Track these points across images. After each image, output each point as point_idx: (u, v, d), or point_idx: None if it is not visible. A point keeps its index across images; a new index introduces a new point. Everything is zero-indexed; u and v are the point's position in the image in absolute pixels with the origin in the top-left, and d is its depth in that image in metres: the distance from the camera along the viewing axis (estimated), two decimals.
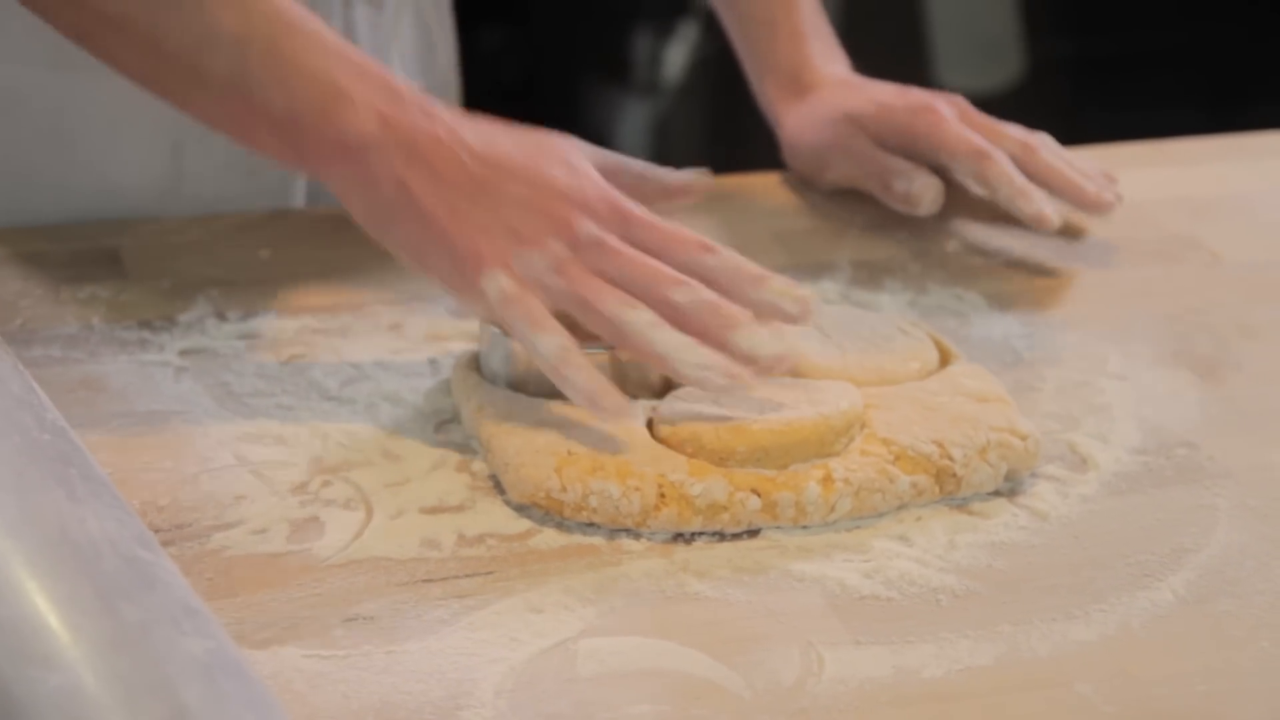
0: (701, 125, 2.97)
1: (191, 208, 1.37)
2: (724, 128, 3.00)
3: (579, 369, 1.04)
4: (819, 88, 1.43)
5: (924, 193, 1.35)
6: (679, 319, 1.05)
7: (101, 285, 1.25)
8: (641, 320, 1.05)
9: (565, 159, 1.09)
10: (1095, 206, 1.35)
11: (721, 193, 1.45)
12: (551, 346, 1.04)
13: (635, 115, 2.84)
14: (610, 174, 1.11)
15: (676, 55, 2.85)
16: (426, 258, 1.08)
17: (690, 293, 1.05)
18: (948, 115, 1.36)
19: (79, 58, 1.15)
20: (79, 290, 1.24)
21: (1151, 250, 1.38)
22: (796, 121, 1.44)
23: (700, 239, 1.08)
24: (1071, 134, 1.56)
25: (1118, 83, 2.87)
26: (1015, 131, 1.37)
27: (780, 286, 1.07)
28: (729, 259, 1.08)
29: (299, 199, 1.43)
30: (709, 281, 1.06)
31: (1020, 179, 1.34)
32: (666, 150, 2.82)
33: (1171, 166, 1.52)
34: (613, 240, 1.06)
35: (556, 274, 1.05)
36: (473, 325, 1.21)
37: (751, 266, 1.08)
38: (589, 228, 1.06)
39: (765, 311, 1.07)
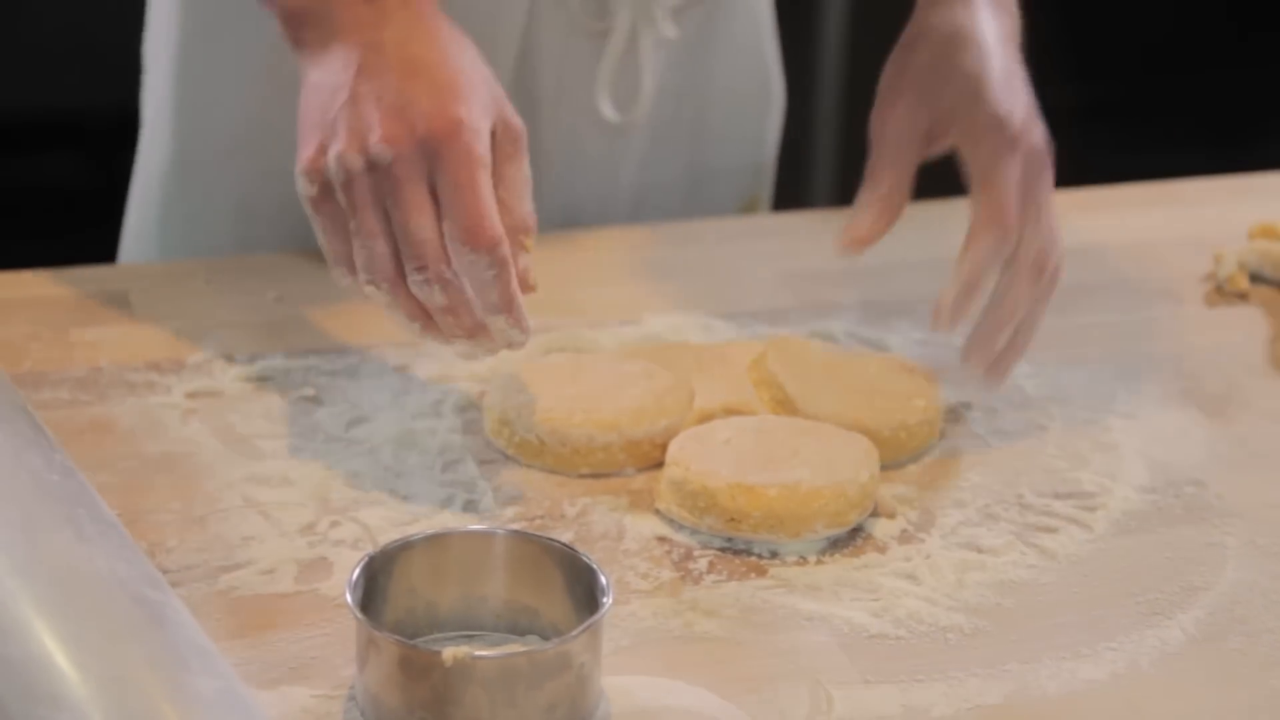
0: None
1: None
2: None
3: (375, 298, 1.07)
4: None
5: (851, 228, 1.19)
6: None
7: (110, 328, 1.25)
8: (378, 298, 1.07)
9: (460, 83, 1.07)
10: (974, 375, 1.17)
11: (729, 234, 1.46)
12: (338, 279, 1.08)
13: None
14: (504, 157, 1.08)
15: None
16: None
17: (426, 291, 1.05)
18: (1010, 172, 1.16)
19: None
20: (87, 333, 1.24)
21: (1159, 289, 1.38)
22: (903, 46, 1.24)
23: (490, 230, 1.04)
24: (1079, 176, 1.56)
25: (1124, 126, 2.88)
26: (1048, 249, 1.16)
27: (511, 324, 1.06)
28: (494, 269, 1.04)
29: None
30: (465, 273, 1.05)
31: (969, 283, 1.15)
32: None
33: (1179, 206, 1.52)
34: (403, 173, 1.04)
35: (343, 190, 1.05)
36: (478, 367, 1.22)
37: (507, 288, 1.05)
38: (380, 149, 1.04)
39: (486, 333, 1.07)
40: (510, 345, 1.08)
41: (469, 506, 1.08)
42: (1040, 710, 0.94)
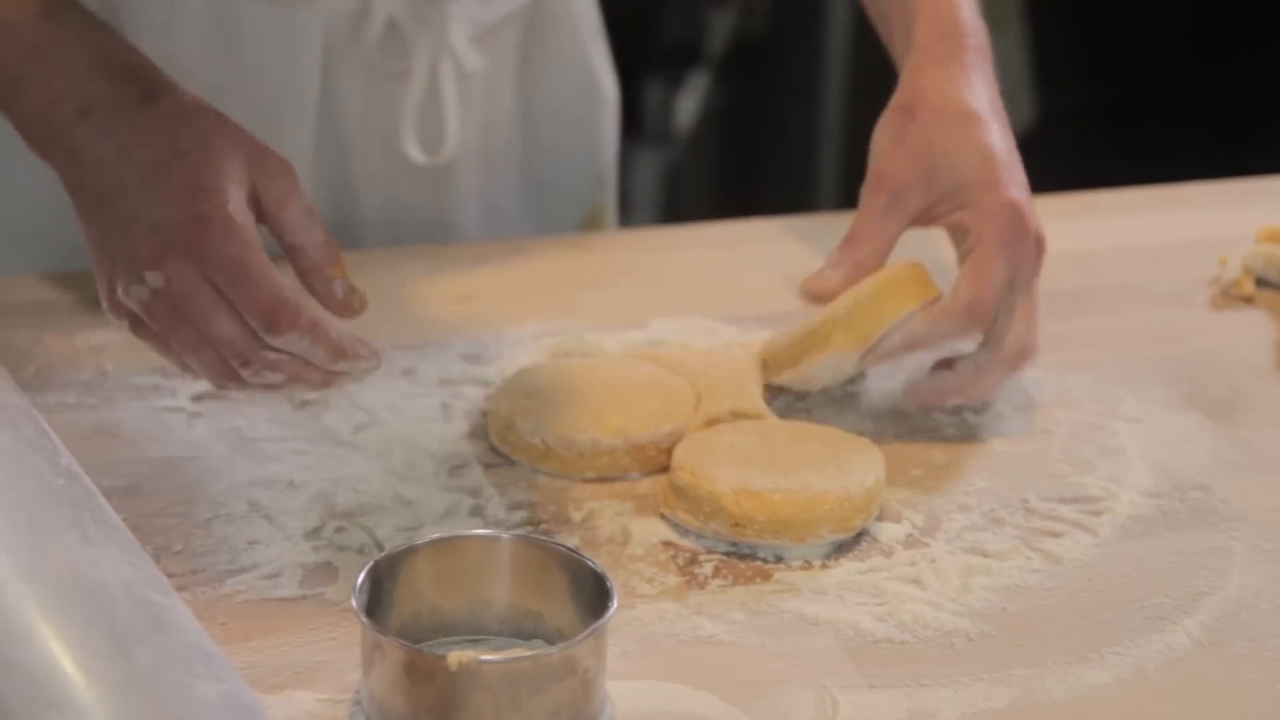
0: (712, 173, 2.98)
1: None
2: (735, 175, 3.00)
3: (233, 386, 1.06)
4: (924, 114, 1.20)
5: (818, 281, 1.19)
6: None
7: (115, 332, 1.24)
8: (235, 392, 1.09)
9: (194, 174, 1.04)
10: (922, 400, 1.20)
11: (733, 239, 1.46)
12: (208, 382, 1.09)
13: (648, 164, 2.84)
14: (275, 204, 1.06)
15: (688, 105, 2.86)
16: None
17: (263, 378, 1.04)
18: (1003, 268, 1.15)
19: None
20: (93, 337, 1.24)
21: (1164, 293, 1.38)
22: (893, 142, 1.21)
23: (281, 312, 1.02)
24: (1084, 180, 1.56)
25: (1129, 130, 2.88)
26: (1022, 339, 1.17)
27: (355, 361, 1.05)
28: (307, 337, 1.03)
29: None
30: (287, 349, 1.04)
31: (911, 344, 1.17)
32: (678, 197, 2.83)
33: (1184, 210, 1.52)
34: (181, 288, 1.02)
35: (147, 318, 1.04)
36: (484, 371, 1.22)
37: (330, 344, 1.04)
38: (151, 277, 1.02)
39: (340, 377, 1.06)
40: (369, 373, 1.07)
41: (475, 511, 1.08)
42: (1046, 715, 0.94)
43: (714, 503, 1.06)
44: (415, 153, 1.39)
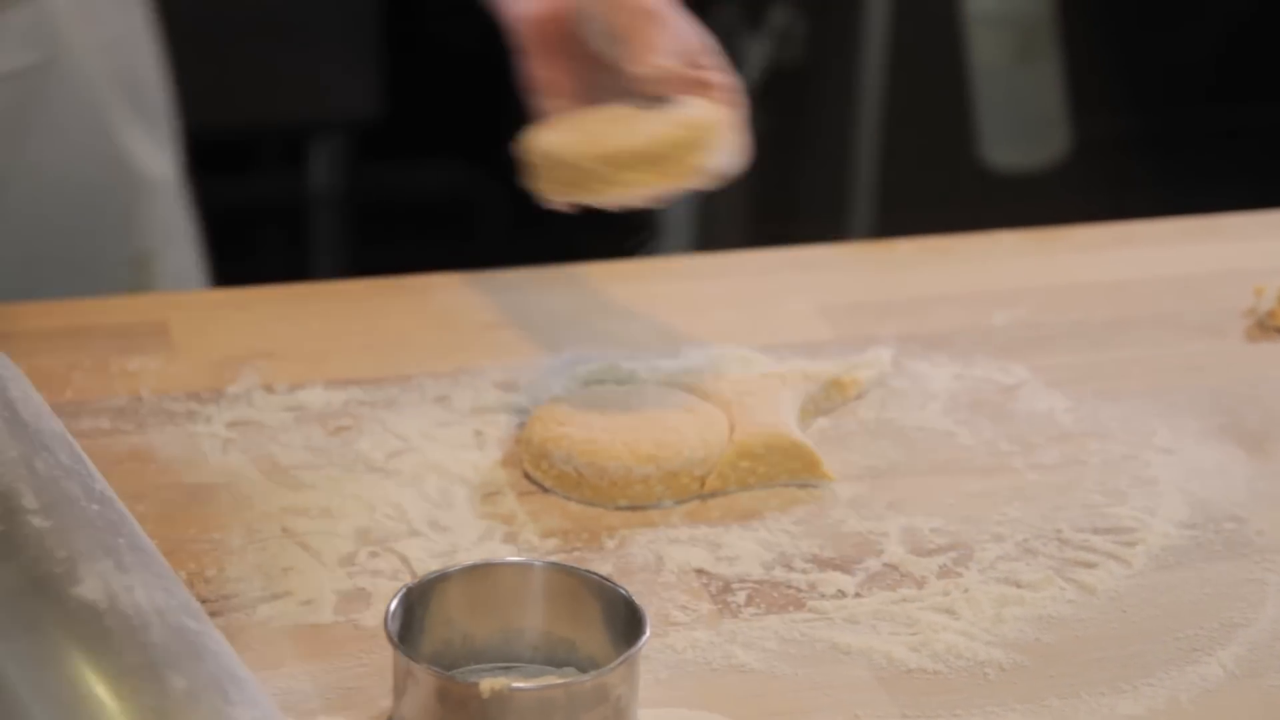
0: (746, 201, 2.98)
1: None
2: (768, 202, 3.00)
3: None
4: None
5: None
6: None
7: (150, 357, 1.26)
8: None
9: None
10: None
11: (767, 267, 1.46)
12: None
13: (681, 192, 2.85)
14: None
15: None
16: None
17: None
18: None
19: None
20: (128, 362, 1.25)
21: (1199, 323, 1.38)
22: None
23: None
24: (1119, 210, 1.56)
25: (1165, 160, 2.88)
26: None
27: None
28: None
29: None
30: None
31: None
32: (711, 224, 2.83)
33: (1220, 241, 1.52)
34: None
35: None
36: (517, 399, 1.22)
37: None
38: None
39: None
40: None
41: (508, 538, 1.09)
42: None
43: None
44: None
